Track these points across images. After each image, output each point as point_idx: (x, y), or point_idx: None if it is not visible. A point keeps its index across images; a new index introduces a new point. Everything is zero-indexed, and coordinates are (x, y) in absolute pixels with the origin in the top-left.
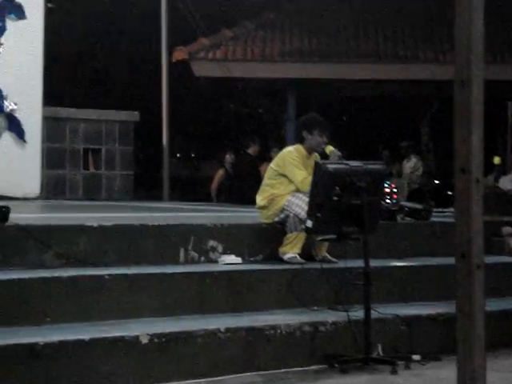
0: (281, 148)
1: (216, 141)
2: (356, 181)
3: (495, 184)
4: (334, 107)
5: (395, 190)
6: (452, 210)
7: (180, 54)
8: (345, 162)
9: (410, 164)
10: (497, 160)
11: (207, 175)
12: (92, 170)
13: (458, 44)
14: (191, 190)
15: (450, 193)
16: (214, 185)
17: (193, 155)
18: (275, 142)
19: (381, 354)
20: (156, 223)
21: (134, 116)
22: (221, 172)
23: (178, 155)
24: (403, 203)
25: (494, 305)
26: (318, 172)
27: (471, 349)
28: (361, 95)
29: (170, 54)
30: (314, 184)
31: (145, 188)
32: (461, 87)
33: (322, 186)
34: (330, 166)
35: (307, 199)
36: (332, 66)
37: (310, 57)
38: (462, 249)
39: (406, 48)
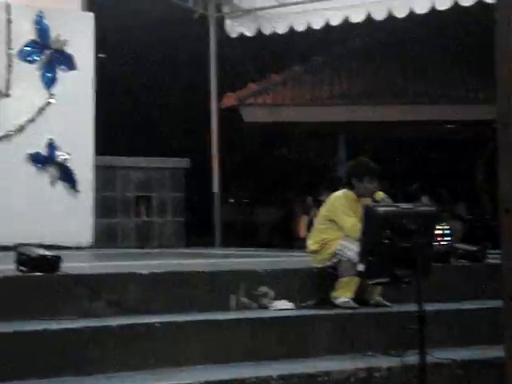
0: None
1: (268, 186)
2: (406, 223)
3: None
4: (384, 150)
5: (448, 232)
6: None
7: (229, 99)
8: (395, 204)
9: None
10: None
11: (260, 220)
12: (143, 217)
13: (500, 86)
14: (245, 236)
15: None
16: (303, 233)
17: (246, 200)
18: (325, 186)
19: None
20: (207, 270)
21: (184, 163)
22: (305, 219)
23: (231, 200)
24: (457, 245)
25: None
26: (368, 215)
27: None
28: (411, 137)
29: (219, 100)
30: (365, 227)
31: (196, 234)
32: (503, 129)
33: (373, 229)
34: (380, 209)
35: (359, 243)
36: (381, 108)
37: (358, 99)
38: (508, 291)
39: (458, 89)
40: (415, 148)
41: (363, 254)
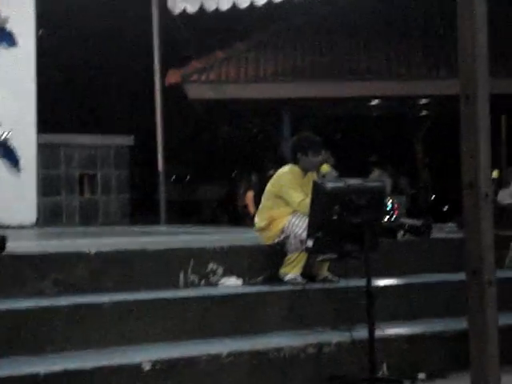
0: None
1: (212, 163)
2: (355, 199)
3: (493, 198)
4: (327, 126)
5: (395, 207)
6: (450, 225)
7: (173, 77)
8: (343, 179)
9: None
10: (495, 174)
11: (203, 198)
12: (88, 195)
13: (463, 59)
14: (187, 214)
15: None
16: (252, 209)
17: (187, 178)
18: (271, 162)
19: (386, 373)
20: (155, 248)
21: (128, 140)
22: (251, 194)
23: (173, 178)
24: (403, 220)
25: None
26: (317, 191)
27: (485, 367)
28: (355, 113)
29: (163, 77)
30: (313, 203)
31: (141, 212)
32: (466, 102)
33: (321, 205)
34: (329, 185)
35: (307, 219)
36: (325, 85)
37: (303, 76)
38: (472, 266)
39: (400, 65)
40: (358, 124)
41: (312, 230)
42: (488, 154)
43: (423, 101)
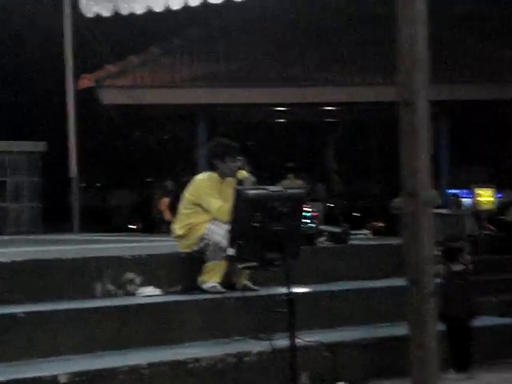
0: (193, 174)
1: (126, 169)
2: (277, 206)
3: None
4: (242, 132)
5: (313, 214)
6: (364, 231)
7: (86, 81)
8: (264, 187)
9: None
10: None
11: (116, 205)
12: None
13: (401, 64)
14: (100, 221)
15: (356, 214)
16: (168, 215)
17: (98, 184)
18: (186, 168)
19: (307, 382)
20: (70, 257)
21: (40, 146)
22: (166, 200)
23: (84, 185)
24: (321, 227)
25: None
26: (238, 198)
27: (425, 377)
28: (268, 120)
29: (75, 81)
30: (234, 211)
31: (53, 220)
32: (405, 108)
33: (243, 212)
34: (250, 192)
35: (226, 227)
36: (239, 91)
37: (218, 82)
38: (412, 276)
39: (315, 70)
40: (272, 131)
41: (233, 238)
42: (427, 161)
43: (335, 107)
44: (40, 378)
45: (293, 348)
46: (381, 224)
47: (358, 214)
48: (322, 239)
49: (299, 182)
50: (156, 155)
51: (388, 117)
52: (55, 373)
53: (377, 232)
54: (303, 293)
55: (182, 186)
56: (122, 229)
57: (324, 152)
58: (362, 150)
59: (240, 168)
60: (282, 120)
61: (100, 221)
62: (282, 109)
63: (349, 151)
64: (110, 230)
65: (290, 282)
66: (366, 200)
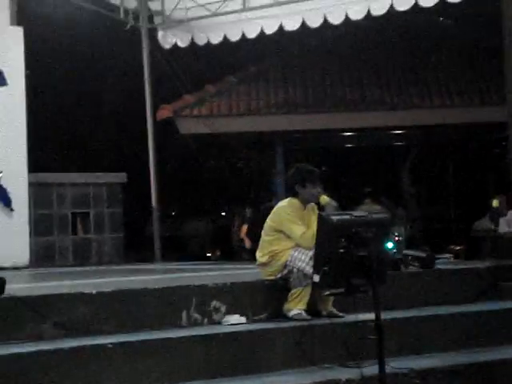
0: (270, 202)
1: (203, 198)
2: (362, 231)
3: (492, 227)
4: (318, 158)
5: (399, 239)
6: (445, 255)
7: (165, 112)
8: (348, 212)
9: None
10: (495, 203)
11: (194, 233)
12: (81, 234)
13: (509, 86)
14: (177, 250)
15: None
16: (248, 243)
17: (173, 213)
18: (265, 196)
19: None
20: (156, 286)
21: (120, 177)
22: (245, 228)
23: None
24: (406, 251)
25: (509, 352)
26: (322, 224)
27: None
28: (348, 145)
29: (154, 112)
30: (319, 237)
31: (133, 249)
32: None
33: (327, 238)
34: (334, 218)
35: (310, 253)
36: (317, 117)
37: (295, 108)
38: None
39: (392, 95)
40: (350, 156)
41: (318, 265)
42: None
43: (409, 131)
44: None
45: (382, 375)
46: (459, 247)
47: (437, 239)
48: (406, 264)
49: (377, 207)
50: (233, 183)
51: (464, 139)
52: None
53: (456, 256)
54: (391, 319)
55: (260, 213)
56: (198, 257)
57: (400, 176)
58: (438, 174)
59: (321, 193)
60: (357, 145)
61: (177, 249)
62: (358, 134)
63: (425, 175)
64: (188, 259)
65: (378, 308)
66: (443, 224)
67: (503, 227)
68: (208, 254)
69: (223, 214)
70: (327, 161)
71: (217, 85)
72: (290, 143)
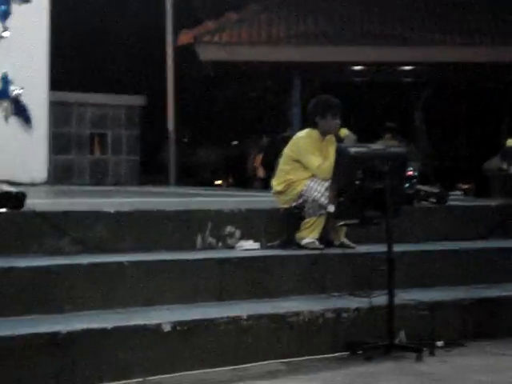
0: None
1: (220, 126)
2: (378, 164)
3: (504, 166)
4: (337, 92)
5: (413, 174)
6: (456, 192)
7: (185, 37)
8: (366, 145)
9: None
10: (510, 142)
11: (209, 160)
12: (98, 154)
13: None
14: (192, 175)
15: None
16: (261, 172)
17: (184, 139)
18: (281, 126)
19: (404, 340)
20: (173, 209)
21: (139, 100)
22: (260, 157)
23: (185, 139)
24: (419, 187)
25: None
26: (340, 156)
27: None
28: (364, 79)
29: (175, 37)
30: (336, 168)
31: (148, 173)
32: None
33: (344, 170)
34: (352, 150)
35: (326, 184)
36: (336, 49)
37: (315, 40)
38: None
39: (412, 30)
40: (368, 90)
41: (334, 195)
42: None
43: (426, 68)
44: (145, 325)
45: (391, 306)
46: (468, 185)
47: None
48: (418, 199)
49: (394, 143)
50: (251, 112)
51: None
52: (159, 321)
53: (465, 194)
54: (402, 252)
55: (276, 143)
56: (209, 184)
57: (413, 113)
58: (451, 112)
59: (341, 126)
60: (374, 79)
61: (189, 175)
62: (376, 68)
63: (438, 113)
64: (202, 185)
65: (391, 241)
66: (454, 162)
67: None
68: (218, 182)
69: (238, 142)
70: (344, 94)
71: (239, 12)
72: (308, 74)
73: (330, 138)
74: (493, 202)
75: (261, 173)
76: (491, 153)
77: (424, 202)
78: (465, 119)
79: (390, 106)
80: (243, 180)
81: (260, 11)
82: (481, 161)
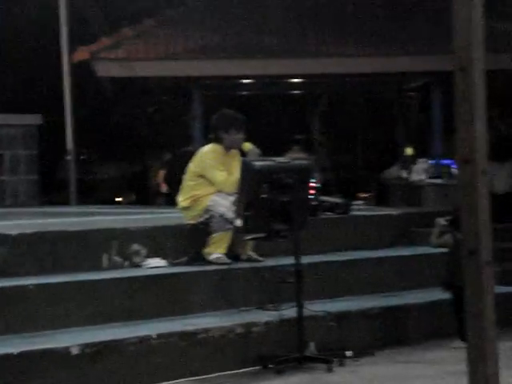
0: (188, 147)
1: (120, 142)
2: (284, 177)
3: (402, 175)
4: (236, 105)
5: (316, 185)
6: (357, 202)
7: (82, 54)
8: (271, 158)
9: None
10: (410, 151)
11: (109, 177)
12: None
13: (458, 28)
14: (92, 193)
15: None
16: (165, 187)
17: (82, 157)
18: (182, 141)
19: (314, 352)
20: (77, 229)
21: (36, 119)
22: (162, 173)
23: (83, 157)
24: (322, 198)
25: (420, 297)
26: (245, 170)
27: (483, 352)
28: (262, 92)
29: (71, 54)
30: (241, 182)
31: (47, 193)
32: (461, 73)
33: (250, 183)
34: (257, 164)
35: (231, 198)
36: (236, 63)
37: (214, 54)
38: (469, 246)
39: (308, 42)
40: (266, 103)
41: (240, 209)
42: (484, 128)
43: (321, 79)
44: (53, 349)
45: (300, 318)
46: (368, 195)
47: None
48: (322, 210)
49: (302, 155)
50: (151, 128)
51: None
52: (67, 344)
53: (367, 203)
54: (309, 263)
55: (178, 158)
56: (109, 202)
57: (310, 124)
58: (347, 123)
59: (244, 140)
60: (273, 92)
61: (88, 193)
62: (274, 80)
63: (334, 124)
64: (98, 203)
65: (298, 253)
66: (352, 172)
67: (415, 175)
68: (119, 199)
69: (140, 158)
70: (243, 107)
71: (135, 28)
72: (207, 89)
73: (235, 152)
74: (395, 211)
75: (164, 188)
76: (389, 162)
77: (328, 213)
78: (361, 130)
79: (290, 119)
80: (146, 196)
81: (156, 26)
82: (379, 170)
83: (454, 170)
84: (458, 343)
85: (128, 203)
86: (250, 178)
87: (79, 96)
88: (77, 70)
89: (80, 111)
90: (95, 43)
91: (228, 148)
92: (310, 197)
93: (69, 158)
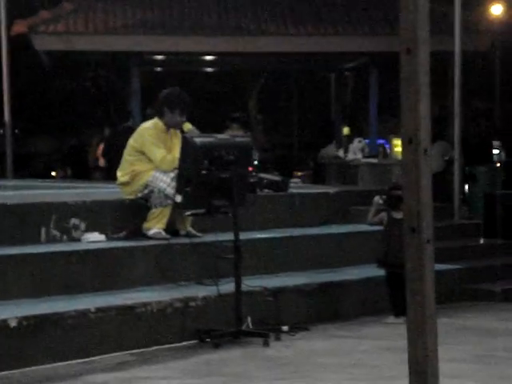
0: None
1: (57, 116)
2: (224, 154)
3: (338, 154)
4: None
5: (255, 162)
6: (295, 180)
7: (20, 27)
8: (212, 135)
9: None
10: (346, 131)
11: (45, 151)
12: None
13: (404, 10)
14: (28, 167)
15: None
16: (102, 162)
17: (16, 131)
18: (121, 116)
19: (251, 326)
20: (14, 202)
21: None
22: (101, 147)
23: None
24: (262, 175)
25: (356, 273)
26: (186, 146)
27: (423, 328)
28: (201, 69)
29: (9, 27)
30: (182, 158)
31: None
32: (406, 55)
33: (191, 159)
34: (198, 140)
35: (172, 174)
36: (174, 39)
37: (152, 29)
38: (411, 223)
39: (248, 19)
40: (202, 81)
41: (180, 185)
42: (428, 108)
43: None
44: None
45: (238, 293)
46: (304, 173)
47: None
48: (261, 187)
49: (241, 133)
50: (89, 102)
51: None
52: (5, 317)
53: (303, 181)
54: (248, 239)
55: (118, 133)
56: (43, 176)
57: (248, 102)
58: (284, 102)
59: (184, 122)
60: (212, 69)
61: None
62: (213, 58)
63: (271, 102)
64: (32, 177)
65: (237, 229)
66: (289, 149)
67: (351, 154)
68: (53, 173)
69: (78, 133)
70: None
71: (74, 2)
72: (145, 64)
73: (175, 131)
74: (332, 189)
75: (102, 163)
76: (325, 141)
77: (266, 190)
78: (299, 108)
79: (230, 97)
80: (82, 171)
81: (96, 0)
82: (315, 149)
83: (388, 149)
84: (392, 319)
85: (65, 177)
86: (191, 154)
87: (17, 69)
88: (14, 43)
89: (17, 85)
90: (34, 17)
91: (168, 126)
92: (249, 174)
93: (5, 131)
